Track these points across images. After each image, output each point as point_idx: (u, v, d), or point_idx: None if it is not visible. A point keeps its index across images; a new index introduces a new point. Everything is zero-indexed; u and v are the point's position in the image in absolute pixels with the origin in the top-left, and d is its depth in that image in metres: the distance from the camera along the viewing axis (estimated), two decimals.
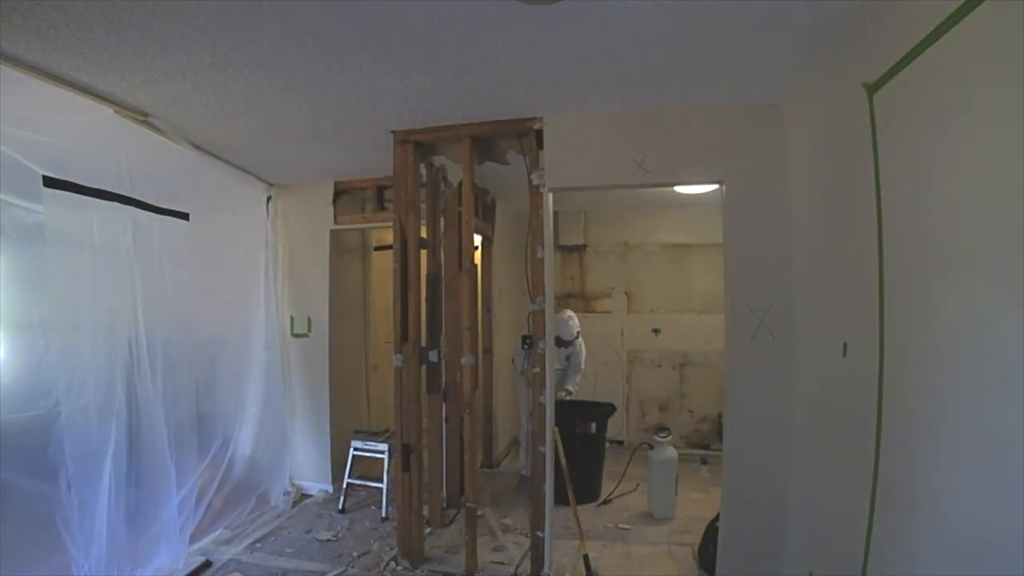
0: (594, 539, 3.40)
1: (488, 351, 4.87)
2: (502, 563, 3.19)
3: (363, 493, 4.33)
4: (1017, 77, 1.19)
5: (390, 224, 3.32)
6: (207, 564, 3.12)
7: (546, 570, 2.98)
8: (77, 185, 2.47)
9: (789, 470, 2.69)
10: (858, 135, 1.87)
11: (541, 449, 3.02)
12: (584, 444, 4.05)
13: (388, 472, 3.80)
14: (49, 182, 2.35)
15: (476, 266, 4.26)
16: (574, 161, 2.98)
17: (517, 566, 3.12)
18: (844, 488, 2.08)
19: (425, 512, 3.41)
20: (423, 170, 3.33)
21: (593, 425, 4.12)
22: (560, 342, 4.35)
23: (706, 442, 5.44)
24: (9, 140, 2.20)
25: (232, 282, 3.81)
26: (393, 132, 3.17)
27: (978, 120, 1.35)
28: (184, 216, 3.13)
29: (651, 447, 3.93)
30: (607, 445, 4.43)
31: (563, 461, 3.24)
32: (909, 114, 1.64)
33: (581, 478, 3.74)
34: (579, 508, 3.29)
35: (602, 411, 4.32)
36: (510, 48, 2.24)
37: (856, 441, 1.91)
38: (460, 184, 3.24)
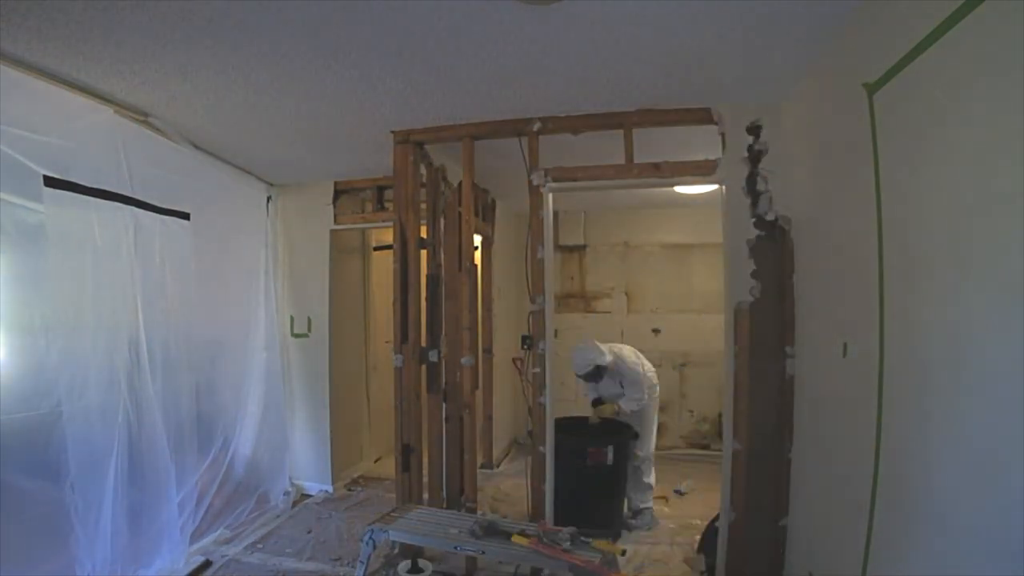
0: None
1: (488, 351, 4.87)
2: (502, 563, 3.19)
3: (363, 494, 4.33)
4: (1017, 77, 1.19)
5: (390, 224, 3.31)
6: (207, 564, 3.12)
7: (546, 571, 2.98)
8: (78, 185, 2.47)
9: (789, 471, 2.69)
10: (858, 135, 1.87)
11: (541, 449, 3.02)
12: (596, 473, 3.46)
13: None
14: (50, 182, 2.35)
15: (476, 266, 4.26)
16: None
17: (517, 567, 3.12)
18: (844, 488, 2.08)
19: None
20: (423, 170, 3.34)
21: (610, 453, 3.46)
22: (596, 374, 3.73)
23: (706, 442, 5.44)
24: (10, 140, 2.20)
25: (232, 282, 3.81)
26: (393, 132, 3.17)
27: (978, 120, 1.35)
28: (185, 216, 3.14)
29: None
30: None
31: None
32: (909, 114, 1.64)
33: (594, 510, 3.42)
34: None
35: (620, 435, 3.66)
36: (510, 48, 2.23)
37: (856, 441, 1.91)
38: (460, 184, 3.24)
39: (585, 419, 3.94)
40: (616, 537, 3.49)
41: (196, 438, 3.24)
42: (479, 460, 4.70)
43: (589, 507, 3.42)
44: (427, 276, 3.44)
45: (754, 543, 2.74)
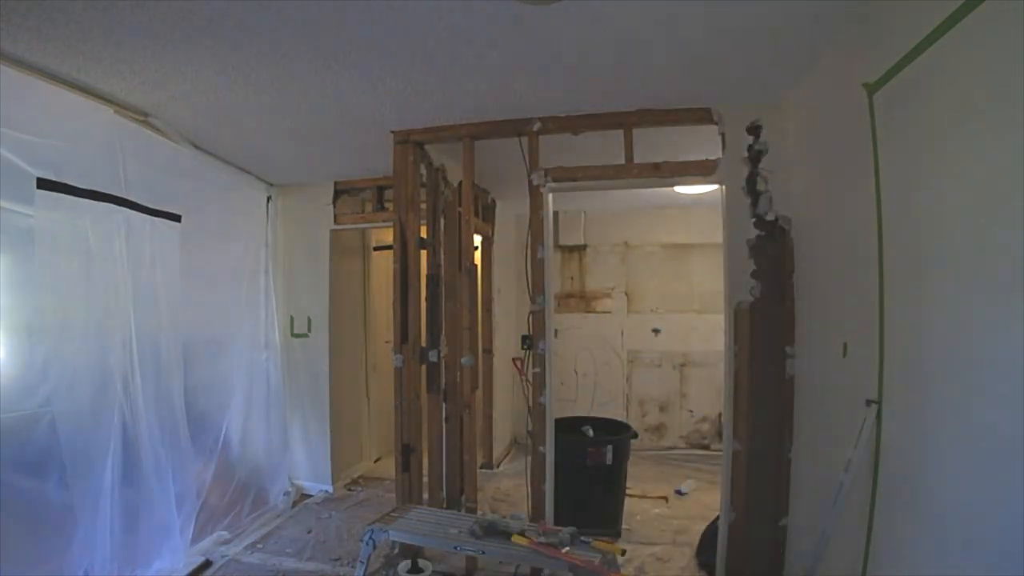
0: None
1: (488, 351, 4.87)
2: (502, 563, 3.19)
3: (363, 494, 4.33)
4: (1017, 77, 1.19)
5: (390, 224, 3.31)
6: (207, 564, 3.12)
7: (546, 571, 2.98)
8: (70, 187, 2.46)
9: (789, 471, 2.69)
10: (858, 135, 1.87)
11: (541, 449, 3.02)
12: (596, 473, 3.47)
13: None
14: (43, 184, 2.33)
15: (476, 266, 4.26)
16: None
17: (517, 567, 3.12)
18: (844, 488, 2.07)
19: None
20: (423, 170, 3.33)
21: (609, 453, 3.48)
22: None
23: (706, 442, 5.44)
24: (8, 142, 2.19)
25: (232, 282, 3.81)
26: (393, 132, 3.17)
27: (978, 120, 1.35)
28: (176, 217, 3.12)
29: None
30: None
31: None
32: (909, 114, 1.64)
33: (595, 510, 3.44)
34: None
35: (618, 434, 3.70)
36: (509, 48, 2.23)
37: (856, 441, 1.90)
38: (460, 184, 3.23)
39: (585, 419, 3.94)
40: (616, 537, 3.49)
41: (195, 438, 3.23)
42: (479, 460, 4.71)
43: (591, 507, 3.43)
44: (427, 276, 3.44)
45: (754, 543, 2.74)
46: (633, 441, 3.69)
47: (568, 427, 3.74)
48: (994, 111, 1.29)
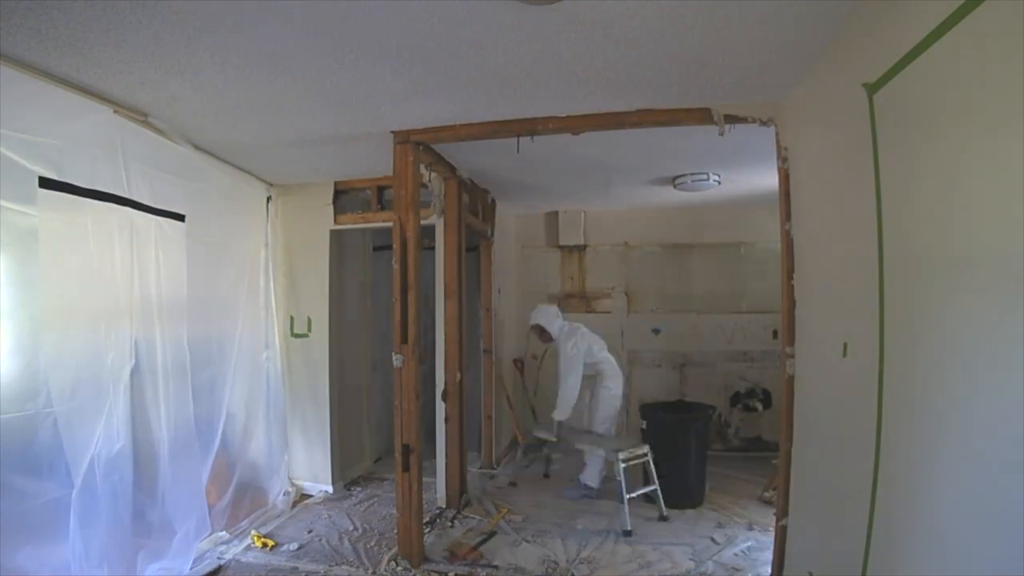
0: None
1: (488, 351, 4.87)
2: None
3: (363, 494, 4.33)
4: (1017, 77, 1.19)
5: (390, 224, 3.32)
6: (206, 565, 3.12)
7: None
8: (72, 186, 2.46)
9: (789, 471, 2.69)
10: (858, 135, 1.87)
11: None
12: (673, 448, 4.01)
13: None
14: (45, 183, 2.33)
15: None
16: None
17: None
18: (844, 489, 2.08)
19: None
20: (423, 170, 3.33)
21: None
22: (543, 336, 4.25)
23: None
24: (9, 142, 2.19)
25: (231, 283, 3.80)
26: (393, 132, 3.17)
27: (978, 120, 1.35)
28: (180, 217, 3.12)
29: None
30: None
31: None
32: (909, 114, 1.64)
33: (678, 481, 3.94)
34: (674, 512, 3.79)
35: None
36: (510, 48, 2.23)
37: (856, 441, 1.91)
38: (459, 184, 3.22)
39: (670, 403, 4.60)
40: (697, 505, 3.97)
41: (195, 438, 3.22)
42: (479, 460, 4.72)
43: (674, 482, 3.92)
44: None
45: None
46: None
47: (656, 409, 4.35)
48: (994, 111, 1.29)
